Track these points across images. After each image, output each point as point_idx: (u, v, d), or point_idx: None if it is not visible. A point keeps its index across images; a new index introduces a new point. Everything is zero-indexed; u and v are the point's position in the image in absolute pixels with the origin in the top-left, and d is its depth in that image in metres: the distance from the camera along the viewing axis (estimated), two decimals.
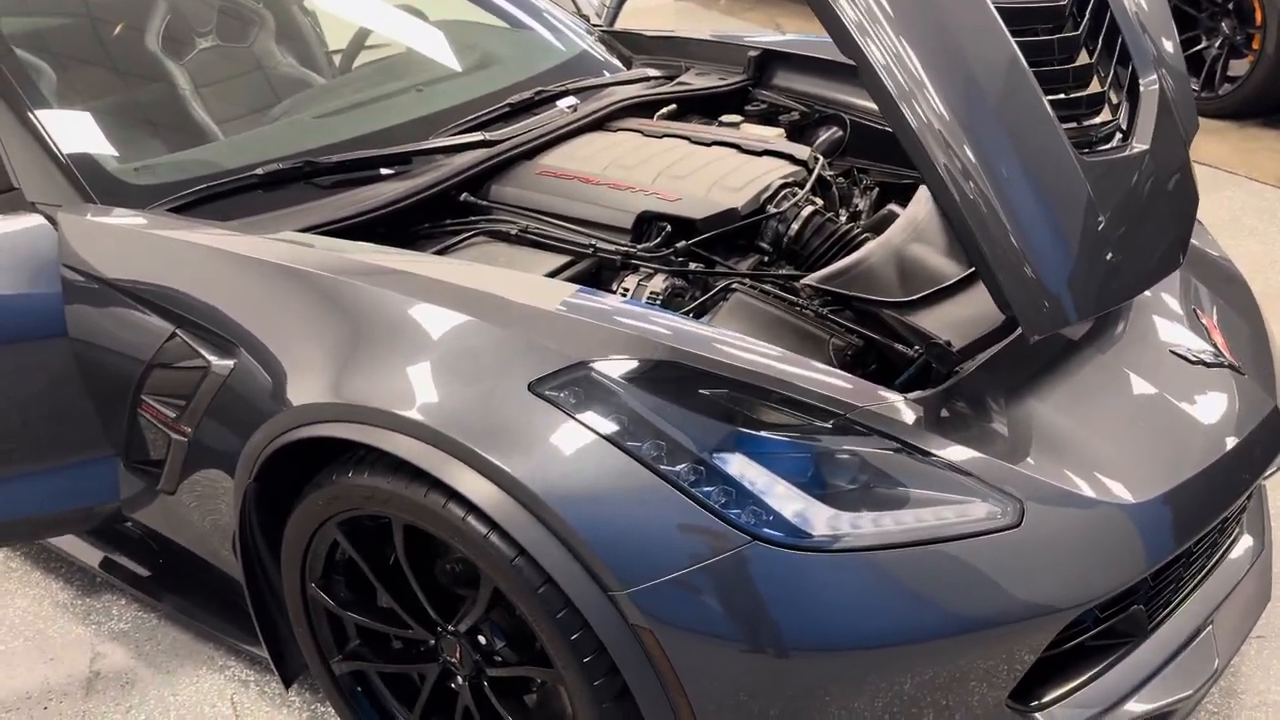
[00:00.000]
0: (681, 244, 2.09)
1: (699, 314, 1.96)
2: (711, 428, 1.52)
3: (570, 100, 2.67)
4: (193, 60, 2.96)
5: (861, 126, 2.76)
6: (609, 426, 1.51)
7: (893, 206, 2.40)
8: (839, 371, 1.69)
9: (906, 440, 1.59)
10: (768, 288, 2.01)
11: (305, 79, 3.11)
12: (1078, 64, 1.86)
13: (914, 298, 1.91)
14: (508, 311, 1.67)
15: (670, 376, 1.57)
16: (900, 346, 1.86)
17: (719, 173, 2.28)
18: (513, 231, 2.17)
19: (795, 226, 2.20)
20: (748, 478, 1.49)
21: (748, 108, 2.87)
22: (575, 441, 1.51)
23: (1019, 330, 1.72)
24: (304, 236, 1.99)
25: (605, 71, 2.97)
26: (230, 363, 1.83)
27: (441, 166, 2.32)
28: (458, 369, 1.62)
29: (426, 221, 2.26)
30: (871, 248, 2.06)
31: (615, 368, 1.56)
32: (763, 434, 1.53)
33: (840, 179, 2.58)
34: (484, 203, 2.28)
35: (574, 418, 1.52)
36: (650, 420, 1.52)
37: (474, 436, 1.53)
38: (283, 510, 1.84)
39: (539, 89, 2.66)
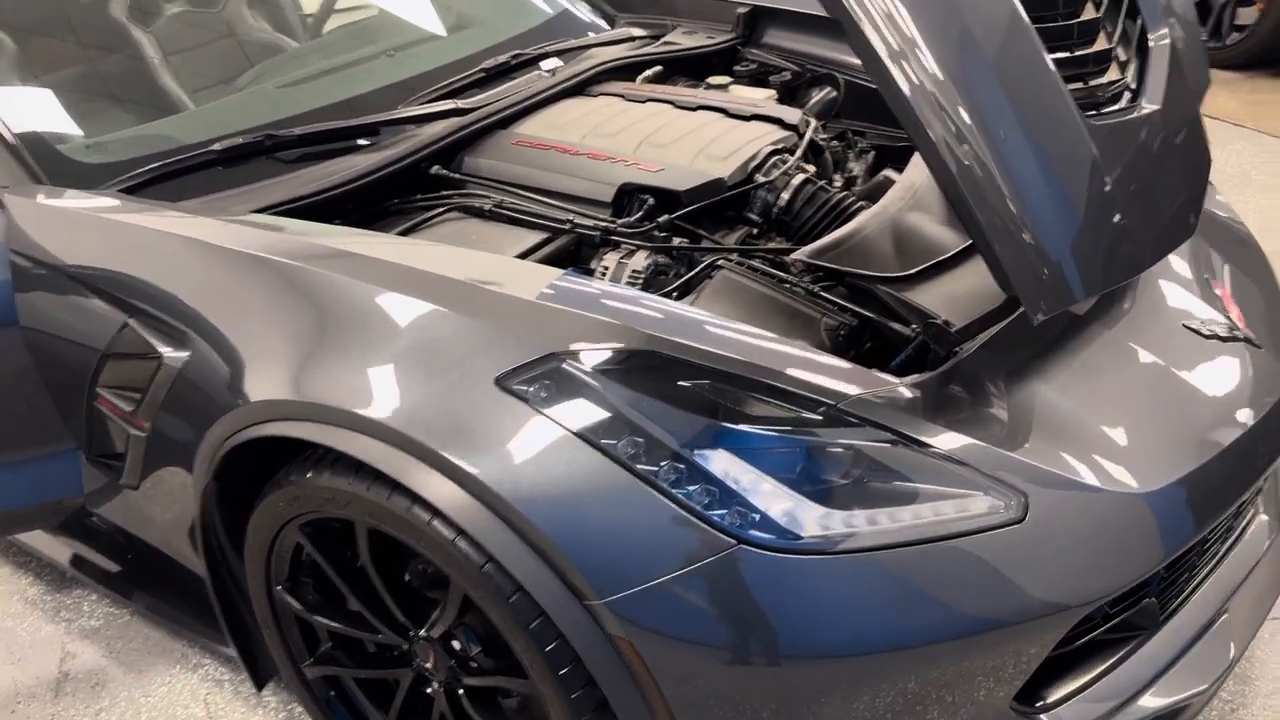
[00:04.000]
0: (664, 218, 1.97)
1: (683, 293, 1.85)
2: (693, 422, 1.41)
3: (551, 63, 2.54)
4: (160, 27, 2.83)
5: (856, 86, 2.64)
6: (582, 423, 1.40)
7: (889, 172, 2.28)
8: (831, 357, 1.58)
9: (902, 430, 1.48)
10: (756, 264, 1.89)
11: (278, 44, 2.98)
12: (1084, 18, 1.73)
13: (910, 272, 1.79)
14: (474, 299, 1.55)
15: (648, 367, 1.46)
16: (897, 325, 1.75)
17: (704, 140, 2.15)
18: (486, 207, 2.05)
19: (785, 196, 2.08)
20: (732, 475, 1.39)
21: (737, 68, 2.74)
22: (545, 440, 1.40)
23: (1022, 309, 1.60)
24: (261, 218, 1.88)
25: (588, 32, 2.84)
26: (184, 354, 1.73)
27: (411, 138, 2.20)
28: (421, 362, 1.51)
29: (396, 197, 2.14)
30: (865, 218, 1.95)
31: (588, 359, 1.45)
32: (748, 428, 1.42)
33: (834, 143, 2.46)
34: (456, 175, 2.16)
35: (544, 414, 1.41)
36: (626, 415, 1.41)
37: (437, 436, 1.42)
38: (245, 508, 1.74)
39: (516, 52, 2.53)
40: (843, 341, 1.76)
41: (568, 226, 1.97)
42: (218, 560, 1.84)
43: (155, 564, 2.20)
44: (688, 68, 2.71)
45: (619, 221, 1.97)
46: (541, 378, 1.43)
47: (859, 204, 2.09)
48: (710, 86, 2.60)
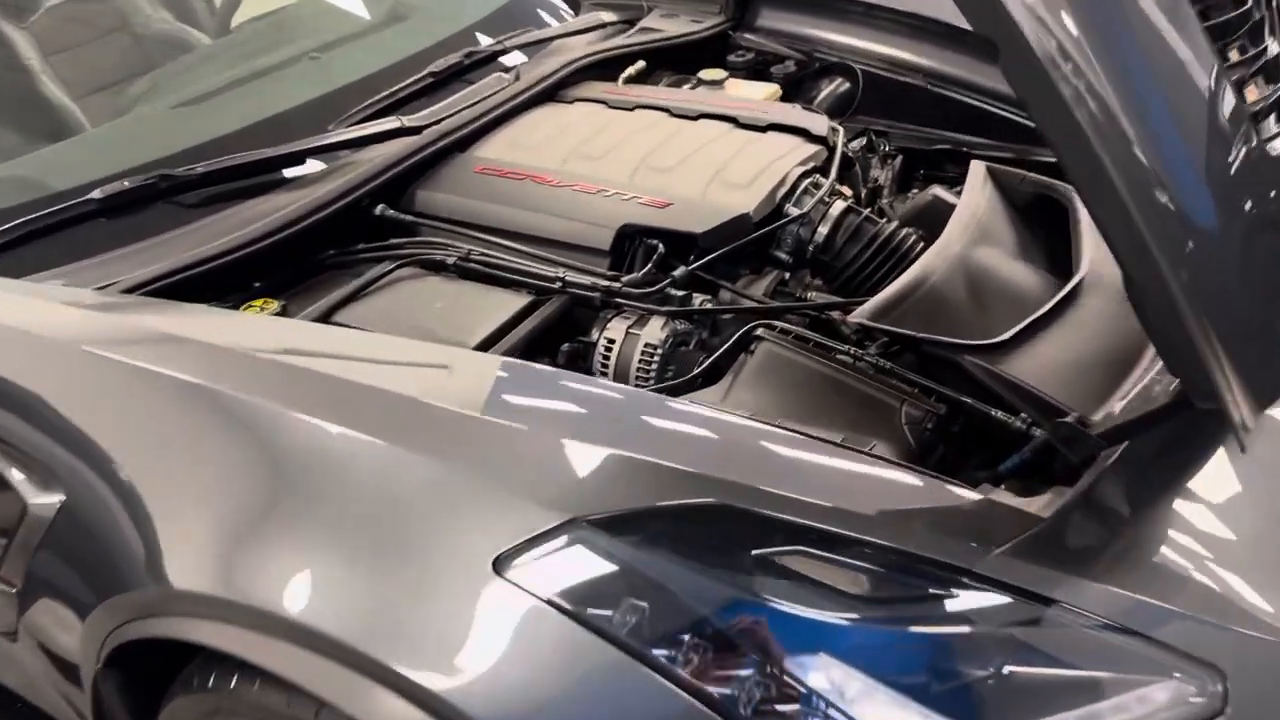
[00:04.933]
0: (681, 271, 1.54)
1: (712, 375, 1.43)
2: (776, 618, 1.00)
3: (513, 58, 2.11)
4: (37, 22, 2.35)
5: (875, 77, 2.23)
6: (621, 624, 0.98)
7: (937, 191, 1.87)
8: (952, 487, 1.16)
9: (1049, 593, 1.08)
10: (803, 330, 1.48)
11: (184, 39, 2.51)
12: (1240, 10, 1.33)
13: (1006, 338, 1.40)
14: (456, 432, 1.12)
15: (705, 529, 1.04)
16: (1000, 414, 1.35)
17: (716, 162, 1.73)
18: (450, 260, 1.61)
19: (823, 230, 1.68)
20: (837, 686, 0.98)
21: (731, 59, 2.31)
22: (570, 652, 0.98)
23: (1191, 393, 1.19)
24: (149, 303, 1.42)
25: (551, 19, 2.39)
26: (56, 499, 1.27)
27: (348, 168, 1.75)
28: (383, 539, 1.07)
29: (333, 246, 1.69)
30: (930, 260, 1.55)
31: (622, 526, 1.02)
32: (851, 617, 1.01)
33: (853, 143, 2.05)
34: (408, 217, 1.72)
35: (566, 611, 0.99)
36: (683, 605, 0.99)
37: (409, 650, 0.99)
38: (155, 697, 1.31)
39: (469, 50, 2.08)
40: (929, 436, 1.36)
41: (557, 285, 1.54)
42: None
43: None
44: (672, 59, 2.28)
45: (624, 279, 1.54)
46: (558, 555, 1.01)
47: (914, 238, 1.68)
48: (703, 83, 2.17)
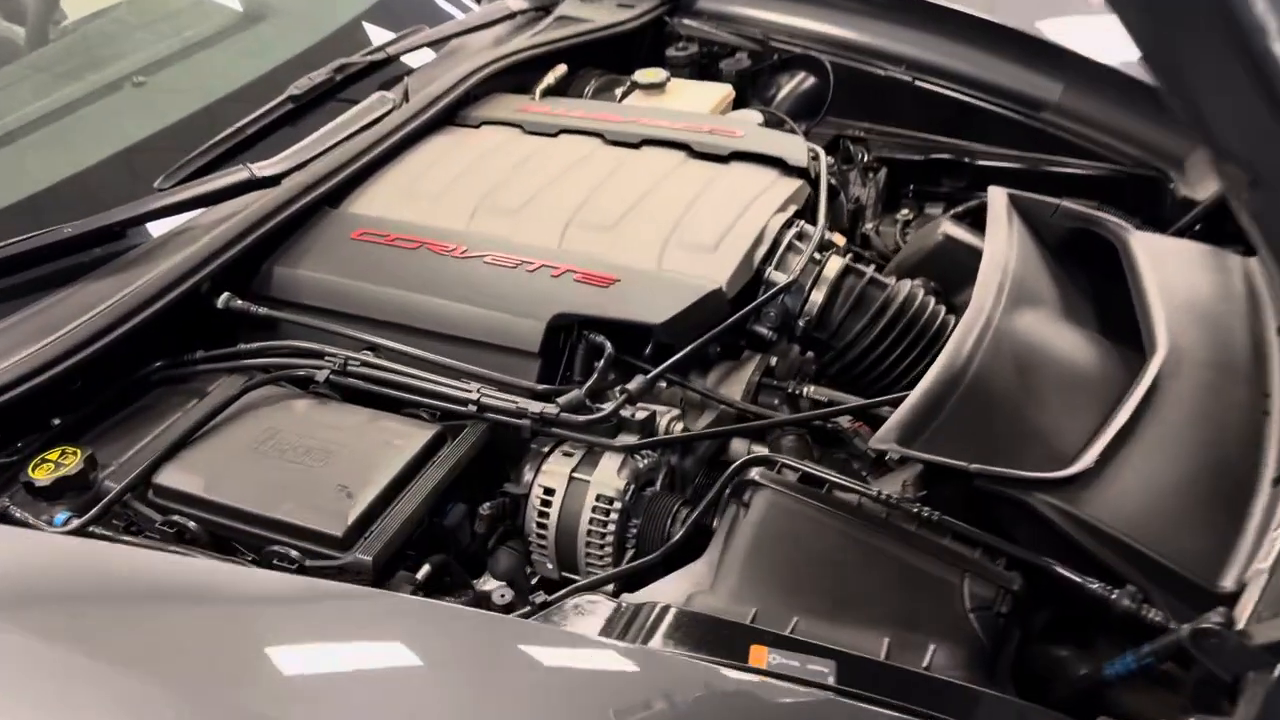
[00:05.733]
0: (637, 383, 1.14)
1: (689, 547, 1.03)
2: None
3: (425, 56, 1.71)
4: None
5: (847, 70, 1.84)
6: None
7: (947, 227, 1.48)
8: None
9: None
10: (812, 467, 1.08)
11: (13, 41, 2.06)
12: None
13: (1087, 465, 1.02)
14: None
15: None
16: (1099, 587, 0.97)
17: (671, 211, 1.33)
18: (320, 375, 1.18)
19: (817, 298, 1.28)
20: None
21: (671, 52, 1.91)
22: None
23: None
24: None
25: (447, 6, 1.94)
26: None
27: (180, 241, 1.31)
28: None
29: (160, 356, 1.25)
30: (962, 339, 1.16)
31: None
32: None
33: (832, 157, 1.66)
34: (260, 310, 1.27)
35: None
36: None
37: None
38: None
39: (341, 62, 1.62)
40: (1002, 623, 0.98)
41: (470, 408, 1.12)
42: None
43: None
44: (599, 54, 1.86)
45: (561, 401, 1.12)
46: None
47: (934, 303, 1.30)
48: (639, 87, 1.75)
